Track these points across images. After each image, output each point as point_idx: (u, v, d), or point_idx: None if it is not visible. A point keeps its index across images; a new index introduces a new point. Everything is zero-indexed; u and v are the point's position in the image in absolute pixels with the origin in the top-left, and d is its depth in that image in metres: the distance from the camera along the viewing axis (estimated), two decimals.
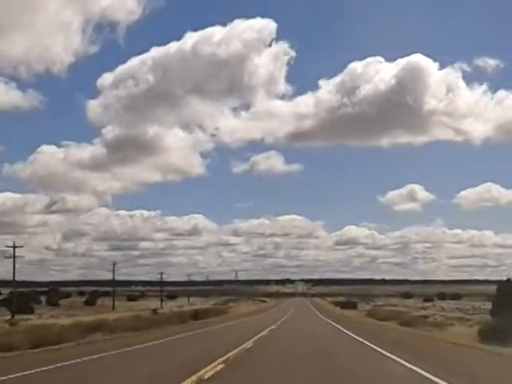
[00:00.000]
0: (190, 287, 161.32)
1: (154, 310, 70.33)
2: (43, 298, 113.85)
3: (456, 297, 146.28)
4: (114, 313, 67.31)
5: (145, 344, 20.97)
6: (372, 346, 18.97)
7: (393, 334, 26.70)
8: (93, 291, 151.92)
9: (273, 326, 35.32)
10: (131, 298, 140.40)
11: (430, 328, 32.43)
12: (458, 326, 34.58)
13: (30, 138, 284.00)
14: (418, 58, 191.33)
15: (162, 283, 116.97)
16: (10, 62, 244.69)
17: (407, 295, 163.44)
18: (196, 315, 48.17)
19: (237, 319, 49.41)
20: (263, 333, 28.37)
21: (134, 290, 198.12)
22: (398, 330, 30.77)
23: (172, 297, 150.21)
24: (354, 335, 25.38)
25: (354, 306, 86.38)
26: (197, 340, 23.59)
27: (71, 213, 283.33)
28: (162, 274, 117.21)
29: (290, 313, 67.53)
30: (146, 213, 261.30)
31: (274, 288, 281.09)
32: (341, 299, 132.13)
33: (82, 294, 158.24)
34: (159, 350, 19.04)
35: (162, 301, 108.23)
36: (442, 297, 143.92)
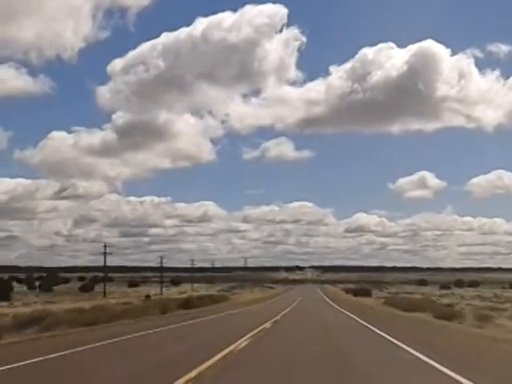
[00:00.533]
0: (197, 273, 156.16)
1: (147, 297, 63.92)
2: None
3: (474, 284, 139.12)
4: (102, 300, 60.96)
5: (49, 355, 12.36)
6: (437, 365, 10.43)
7: (447, 336, 18.84)
8: (93, 277, 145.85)
9: (277, 317, 28.18)
10: (132, 284, 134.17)
11: (474, 322, 25.05)
12: (504, 320, 27.17)
13: (41, 124, 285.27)
14: (429, 44, 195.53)
15: (162, 269, 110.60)
16: (21, 48, 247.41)
17: (422, 282, 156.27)
18: (187, 303, 41.33)
19: (236, 308, 42.53)
20: (265, 325, 22.04)
21: (140, 276, 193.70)
22: (446, 328, 22.71)
23: (176, 283, 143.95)
24: (393, 339, 15.95)
25: (368, 294, 79.35)
26: (151, 346, 14.94)
27: (81, 199, 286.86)
28: (162, 258, 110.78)
29: (297, 301, 60.57)
30: (156, 199, 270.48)
31: (283, 275, 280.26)
32: (351, 286, 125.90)
33: (82, 279, 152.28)
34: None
35: (162, 286, 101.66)
36: (460, 284, 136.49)
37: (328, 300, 64.94)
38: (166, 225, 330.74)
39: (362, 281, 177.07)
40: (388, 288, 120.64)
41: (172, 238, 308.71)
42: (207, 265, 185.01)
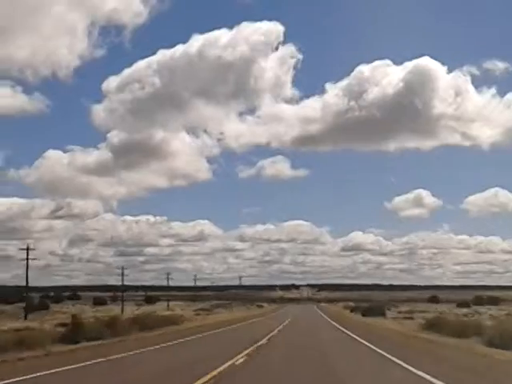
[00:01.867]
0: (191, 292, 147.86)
1: (73, 317, 45.65)
2: None
3: (494, 301, 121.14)
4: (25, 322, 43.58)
5: None
6: None
7: None
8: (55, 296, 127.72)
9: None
10: (98, 302, 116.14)
11: None
12: None
13: (36, 143, 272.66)
14: (426, 62, 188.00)
15: (123, 286, 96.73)
16: (16, 66, 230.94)
17: (434, 300, 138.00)
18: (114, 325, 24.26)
19: (178, 337, 24.89)
20: None
21: (136, 295, 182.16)
22: None
23: (151, 301, 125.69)
24: None
25: (381, 313, 61.13)
26: None
27: (77, 218, 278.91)
28: (123, 273, 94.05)
29: (285, 323, 42.71)
30: (151, 218, 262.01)
31: (278, 293, 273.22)
32: (352, 304, 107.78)
33: (47, 297, 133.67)
34: None
35: (123, 305, 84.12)
36: (479, 302, 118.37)
37: (332, 322, 46.93)
38: (162, 244, 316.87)
39: (360, 299, 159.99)
40: (398, 306, 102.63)
41: (168, 258, 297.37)
42: (204, 283, 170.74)
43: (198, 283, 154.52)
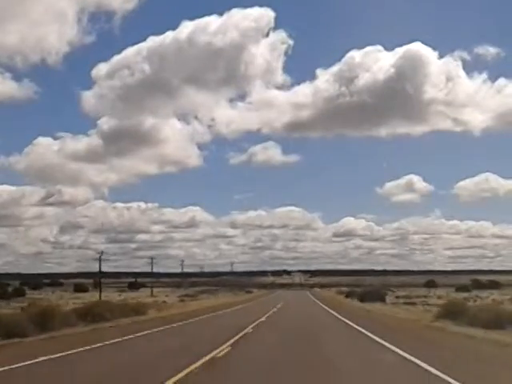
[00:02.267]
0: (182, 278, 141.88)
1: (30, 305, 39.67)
2: None
3: (494, 286, 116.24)
4: None
5: None
6: None
7: None
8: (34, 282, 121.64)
9: None
10: (80, 289, 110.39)
11: None
12: None
13: (26, 130, 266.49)
14: (417, 47, 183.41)
15: (101, 273, 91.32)
16: (5, 52, 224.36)
17: (431, 284, 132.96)
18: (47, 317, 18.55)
19: (126, 333, 19.13)
20: None
21: (122, 282, 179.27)
22: None
23: (135, 287, 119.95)
24: None
25: (380, 298, 55.54)
26: None
27: (68, 205, 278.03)
28: (100, 257, 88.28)
29: (271, 312, 36.87)
30: (143, 205, 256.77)
31: (270, 279, 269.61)
32: (345, 289, 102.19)
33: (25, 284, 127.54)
34: None
35: (100, 292, 78.33)
36: (479, 286, 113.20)
37: (328, 309, 41.13)
38: (153, 230, 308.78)
39: (353, 284, 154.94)
40: (394, 291, 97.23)
41: (159, 244, 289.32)
42: (194, 270, 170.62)
43: (191, 270, 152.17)
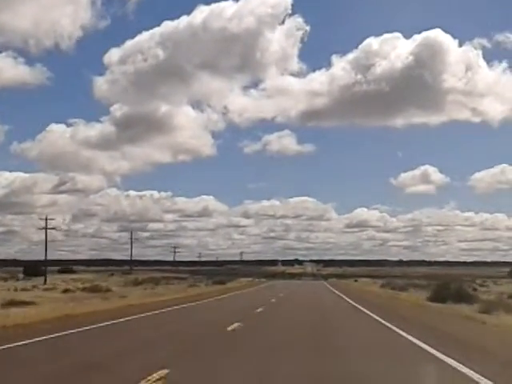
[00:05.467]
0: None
1: None
2: None
3: None
4: None
5: None
6: None
7: None
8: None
9: None
10: (64, 271, 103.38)
11: None
12: None
13: (39, 116, 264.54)
14: (436, 34, 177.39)
15: (46, 261, 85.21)
16: (18, 36, 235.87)
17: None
18: None
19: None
20: None
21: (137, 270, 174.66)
22: None
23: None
24: None
25: (465, 298, 29.75)
26: None
27: (81, 193, 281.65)
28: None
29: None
30: (156, 194, 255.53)
31: (281, 268, 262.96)
32: (380, 282, 79.73)
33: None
34: None
35: (45, 275, 77.03)
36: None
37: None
38: (166, 219, 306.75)
39: (370, 275, 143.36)
40: (476, 288, 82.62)
41: (172, 233, 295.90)
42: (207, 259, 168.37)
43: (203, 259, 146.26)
